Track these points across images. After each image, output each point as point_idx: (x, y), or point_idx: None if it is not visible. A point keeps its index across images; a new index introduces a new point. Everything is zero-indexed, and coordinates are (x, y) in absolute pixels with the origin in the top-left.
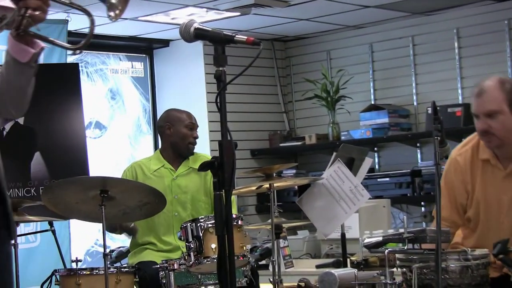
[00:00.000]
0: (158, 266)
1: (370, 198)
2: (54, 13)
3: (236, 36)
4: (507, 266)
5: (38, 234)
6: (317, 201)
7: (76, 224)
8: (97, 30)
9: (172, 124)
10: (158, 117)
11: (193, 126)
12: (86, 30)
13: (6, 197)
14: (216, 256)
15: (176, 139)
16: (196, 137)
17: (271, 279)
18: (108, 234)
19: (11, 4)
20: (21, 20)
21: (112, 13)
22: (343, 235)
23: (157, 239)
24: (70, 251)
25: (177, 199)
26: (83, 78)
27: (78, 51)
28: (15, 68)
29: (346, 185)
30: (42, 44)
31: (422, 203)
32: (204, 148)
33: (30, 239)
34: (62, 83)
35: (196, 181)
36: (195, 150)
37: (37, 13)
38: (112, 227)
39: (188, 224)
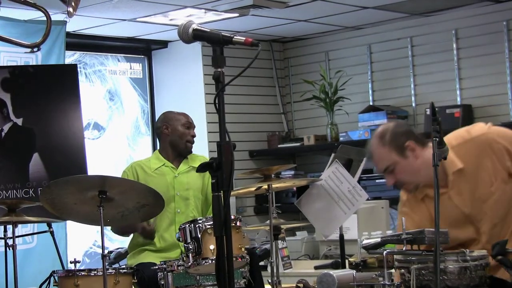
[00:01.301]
0: (157, 267)
1: (368, 199)
2: (52, 14)
3: (235, 37)
4: (505, 267)
5: (35, 235)
6: (316, 202)
7: (74, 225)
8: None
9: (169, 124)
10: (157, 119)
11: (190, 125)
12: (84, 31)
13: None
14: (215, 257)
15: (174, 138)
16: (194, 136)
17: (270, 280)
18: (106, 235)
19: None
20: None
21: (70, 9)
22: (341, 236)
23: (158, 235)
24: (67, 252)
25: (180, 196)
26: (81, 79)
27: (35, 49)
28: None
29: (345, 186)
30: None
31: None
32: (202, 149)
33: (27, 240)
34: (61, 84)
35: (196, 179)
36: (193, 152)
37: None
38: (123, 230)
39: (187, 225)
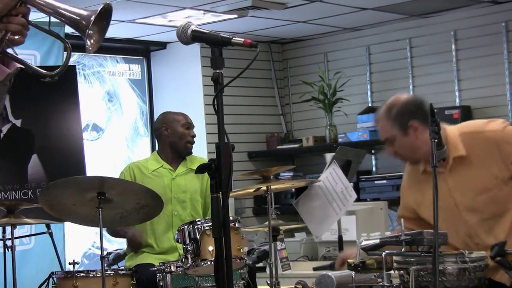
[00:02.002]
0: (156, 268)
1: (368, 200)
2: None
3: (233, 38)
4: (504, 268)
5: (33, 237)
6: (313, 203)
7: (73, 227)
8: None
9: (169, 125)
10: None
11: (189, 125)
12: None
13: None
14: (214, 258)
15: (174, 139)
16: (194, 136)
17: (268, 282)
18: (105, 236)
19: None
20: (0, 42)
21: (88, 42)
22: (340, 237)
23: (155, 238)
24: (65, 253)
25: (177, 198)
26: (80, 80)
27: (54, 78)
28: None
29: (339, 187)
30: (18, 65)
31: None
32: (201, 150)
33: (25, 241)
34: (59, 86)
35: (194, 182)
36: (192, 153)
37: (16, 37)
38: (115, 232)
39: (186, 226)
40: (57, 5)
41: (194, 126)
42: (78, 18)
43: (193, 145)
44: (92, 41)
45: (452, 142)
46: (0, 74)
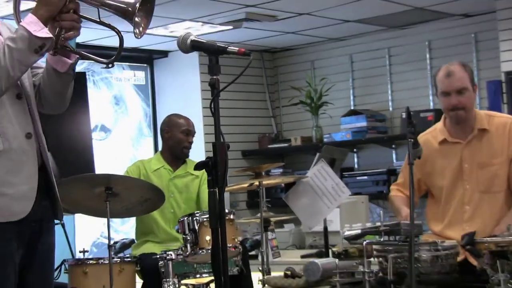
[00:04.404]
0: (158, 256)
1: (350, 195)
2: None
3: (229, 47)
4: (473, 256)
5: None
6: (302, 197)
7: (83, 218)
8: (103, 42)
9: (170, 129)
10: (158, 121)
11: (189, 132)
12: (93, 42)
13: (55, 192)
14: (210, 247)
15: (172, 143)
16: (191, 142)
17: (260, 268)
18: (112, 227)
19: (49, 34)
20: (57, 39)
21: (137, 30)
22: (325, 228)
23: (157, 230)
24: (75, 243)
25: (173, 198)
26: (89, 85)
27: (110, 65)
28: (55, 76)
29: (329, 183)
30: (76, 55)
31: None
32: (199, 149)
33: None
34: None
35: (190, 184)
36: (192, 157)
37: (71, 32)
38: None
39: (185, 218)
40: None
41: (195, 132)
42: (124, 6)
43: (190, 150)
44: (140, 28)
45: (479, 117)
46: (64, 65)
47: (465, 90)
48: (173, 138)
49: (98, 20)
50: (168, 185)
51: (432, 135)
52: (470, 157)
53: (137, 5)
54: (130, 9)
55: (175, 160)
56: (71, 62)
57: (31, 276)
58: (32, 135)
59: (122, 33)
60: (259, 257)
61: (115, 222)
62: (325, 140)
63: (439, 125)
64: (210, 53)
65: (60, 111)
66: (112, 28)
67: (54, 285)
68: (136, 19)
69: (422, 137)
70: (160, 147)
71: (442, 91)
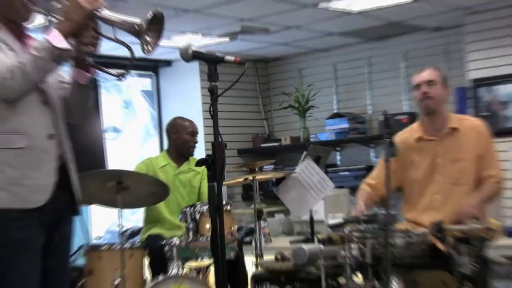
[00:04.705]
0: (164, 242)
1: (333, 188)
2: None
3: (226, 57)
4: (441, 241)
5: None
6: (291, 190)
7: (98, 209)
8: (113, 52)
9: (177, 131)
10: (163, 123)
11: (193, 133)
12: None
13: (76, 189)
14: (210, 234)
15: (179, 144)
16: (196, 142)
17: (254, 252)
18: (123, 216)
19: (68, 46)
20: (77, 53)
21: (145, 48)
22: (311, 217)
23: (163, 219)
24: (91, 230)
25: (178, 191)
26: (102, 91)
27: (122, 78)
28: (77, 88)
29: (315, 178)
30: (95, 69)
31: None
32: (199, 148)
33: None
34: None
35: (193, 179)
36: (194, 155)
37: (89, 47)
38: None
39: (187, 208)
40: (118, 17)
41: (198, 133)
42: (136, 26)
43: (195, 148)
44: (148, 46)
45: (450, 118)
46: (83, 78)
47: (434, 82)
48: (180, 139)
49: (114, 38)
50: (173, 180)
51: (409, 133)
52: (443, 152)
53: (145, 25)
54: (140, 29)
55: (179, 158)
56: (89, 75)
57: (52, 261)
58: (54, 136)
59: (134, 45)
60: (253, 243)
61: (126, 212)
62: (311, 139)
63: (416, 125)
64: (209, 62)
65: (84, 120)
66: (126, 45)
67: (72, 268)
68: (147, 38)
69: (400, 135)
70: (165, 146)
71: (414, 84)
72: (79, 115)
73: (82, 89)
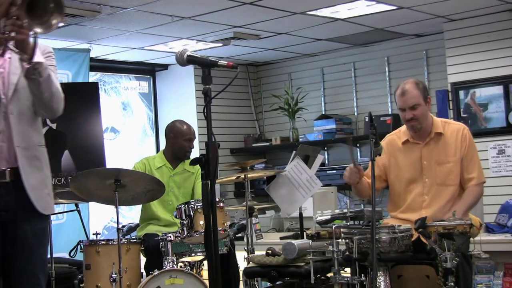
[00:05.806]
0: (159, 238)
1: (321, 186)
2: (79, 44)
3: (219, 61)
4: (425, 237)
5: (65, 213)
6: (281, 188)
7: (96, 205)
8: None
9: (175, 136)
10: (159, 124)
11: (190, 139)
12: (104, 57)
13: (25, 187)
14: (204, 230)
15: (176, 148)
16: (192, 147)
17: (246, 248)
18: (120, 213)
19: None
20: (3, 40)
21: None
22: (300, 214)
23: (158, 218)
24: (89, 226)
25: (172, 192)
26: (101, 93)
27: (30, 61)
28: (28, 81)
29: (304, 176)
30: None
31: None
32: (194, 147)
33: (59, 216)
34: (85, 97)
35: (187, 180)
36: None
37: (13, 35)
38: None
39: (182, 206)
40: None
41: (195, 138)
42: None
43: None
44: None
45: (435, 123)
46: (25, 70)
47: (417, 105)
48: (177, 144)
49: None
50: (169, 181)
51: (397, 136)
52: (428, 155)
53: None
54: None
55: (175, 160)
56: (28, 66)
57: (17, 257)
58: (1, 132)
59: (132, 50)
60: (245, 239)
61: (123, 209)
62: (300, 140)
63: (403, 128)
64: (203, 66)
65: (50, 116)
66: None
67: (72, 262)
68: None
69: (388, 137)
70: (161, 146)
71: (399, 107)
72: (41, 109)
73: (30, 81)
